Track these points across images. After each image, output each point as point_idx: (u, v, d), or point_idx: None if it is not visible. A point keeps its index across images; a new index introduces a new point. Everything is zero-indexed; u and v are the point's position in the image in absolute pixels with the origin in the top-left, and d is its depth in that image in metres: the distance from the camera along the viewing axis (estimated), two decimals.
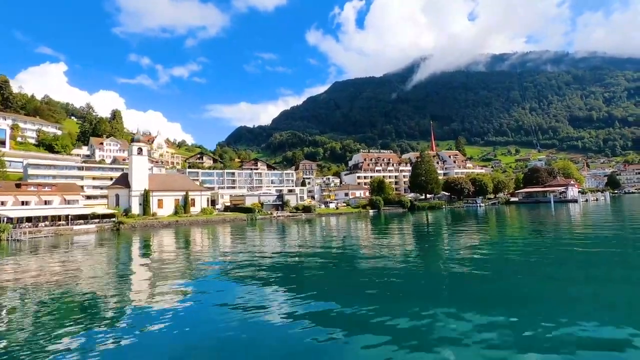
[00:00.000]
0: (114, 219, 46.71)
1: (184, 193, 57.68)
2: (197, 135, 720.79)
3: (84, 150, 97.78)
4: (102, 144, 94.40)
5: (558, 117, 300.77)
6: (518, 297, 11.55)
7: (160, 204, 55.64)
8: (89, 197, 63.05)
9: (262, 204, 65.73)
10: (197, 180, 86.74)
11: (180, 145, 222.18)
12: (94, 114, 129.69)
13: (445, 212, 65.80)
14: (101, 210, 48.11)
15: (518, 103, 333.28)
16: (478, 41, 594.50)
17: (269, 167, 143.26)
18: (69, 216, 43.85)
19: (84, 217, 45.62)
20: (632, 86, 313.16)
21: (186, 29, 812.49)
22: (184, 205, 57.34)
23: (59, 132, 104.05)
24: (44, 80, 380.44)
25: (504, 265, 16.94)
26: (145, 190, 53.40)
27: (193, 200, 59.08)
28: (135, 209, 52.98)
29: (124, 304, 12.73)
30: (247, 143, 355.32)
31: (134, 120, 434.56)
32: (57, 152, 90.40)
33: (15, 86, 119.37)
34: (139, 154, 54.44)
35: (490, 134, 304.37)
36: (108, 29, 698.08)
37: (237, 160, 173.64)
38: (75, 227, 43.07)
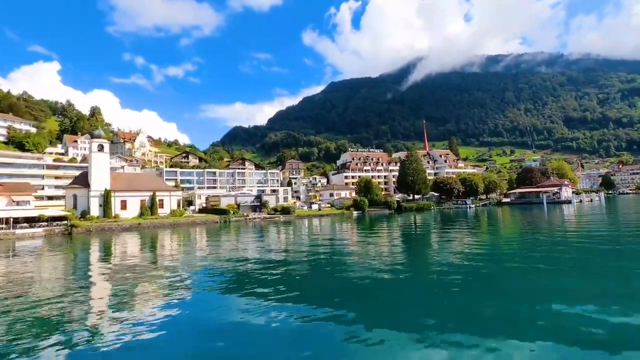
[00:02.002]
0: (65, 222, 42.42)
1: (151, 193, 53.49)
2: (193, 136, 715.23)
3: (59, 149, 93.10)
4: (76, 141, 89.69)
5: (553, 118, 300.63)
6: (508, 318, 9.66)
7: (123, 205, 51.40)
8: (50, 198, 58.77)
9: (238, 205, 61.75)
10: (176, 179, 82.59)
11: (171, 144, 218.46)
12: (74, 111, 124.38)
13: (433, 214, 62.68)
14: (52, 212, 43.78)
15: (513, 104, 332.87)
16: (473, 42, 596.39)
17: (257, 166, 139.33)
18: (11, 219, 39.50)
19: (32, 220, 41.29)
20: (626, 87, 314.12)
21: (180, 29, 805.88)
22: (151, 206, 53.16)
23: (33, 130, 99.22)
24: (37, 80, 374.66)
25: (491, 280, 14.33)
26: (105, 190, 49.15)
27: (161, 201, 54.89)
28: (95, 210, 48.70)
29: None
30: (242, 143, 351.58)
31: (129, 120, 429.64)
32: (29, 150, 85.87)
33: None
34: (99, 150, 50.20)
35: (486, 135, 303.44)
36: (101, 27, 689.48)
37: (225, 159, 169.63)
38: (19, 232, 38.75)
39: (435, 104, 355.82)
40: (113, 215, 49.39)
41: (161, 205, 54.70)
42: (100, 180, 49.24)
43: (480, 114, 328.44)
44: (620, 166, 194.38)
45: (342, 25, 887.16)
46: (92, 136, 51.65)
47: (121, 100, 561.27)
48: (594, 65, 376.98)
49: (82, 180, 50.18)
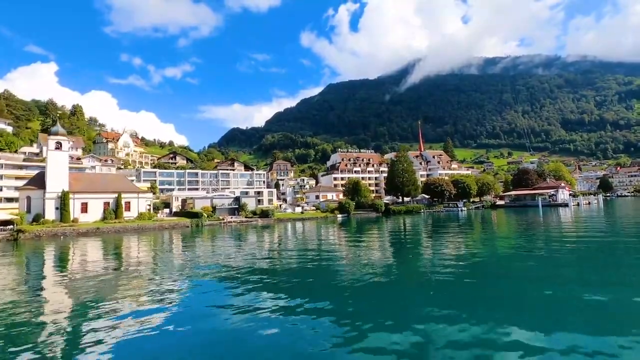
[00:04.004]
0: (11, 227, 38.45)
1: (116, 195, 49.56)
2: (191, 137, 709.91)
3: (34, 148, 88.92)
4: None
5: (550, 120, 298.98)
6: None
7: (84, 208, 47.46)
8: (9, 200, 54.69)
9: (214, 208, 57.89)
10: (154, 181, 78.63)
11: (164, 145, 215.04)
12: (56, 109, 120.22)
13: (424, 217, 59.30)
14: None
15: (511, 106, 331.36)
16: (471, 43, 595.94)
17: (247, 167, 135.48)
18: None
19: None
20: (623, 90, 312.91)
21: (178, 29, 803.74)
22: (115, 209, 49.22)
23: (9, 129, 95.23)
24: (35, 80, 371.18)
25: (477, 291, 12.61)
26: (63, 191, 45.19)
27: (128, 203, 50.94)
28: (50, 214, 44.73)
29: None
30: (239, 145, 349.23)
31: (126, 121, 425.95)
32: (1, 150, 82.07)
33: None
34: (57, 148, 46.32)
35: (483, 137, 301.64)
36: (98, 27, 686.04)
37: (217, 161, 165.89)
38: None
39: (433, 106, 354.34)
40: (71, 219, 45.39)
41: (127, 208, 50.76)
42: (57, 181, 45.30)
43: (478, 115, 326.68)
44: (618, 168, 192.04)
45: (340, 26, 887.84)
46: (49, 133, 47.74)
47: (119, 101, 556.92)
48: (590, 67, 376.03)
49: (38, 181, 46.23)
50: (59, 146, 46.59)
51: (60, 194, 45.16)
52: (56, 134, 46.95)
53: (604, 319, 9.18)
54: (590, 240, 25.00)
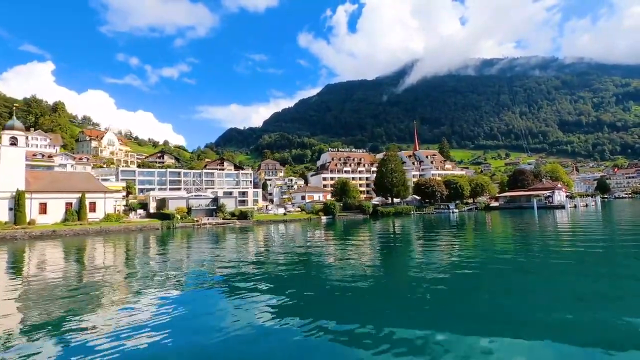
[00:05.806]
0: None
1: (79, 195, 45.96)
2: (189, 137, 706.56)
3: None
4: (26, 138, 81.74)
5: (548, 122, 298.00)
6: None
7: (43, 209, 43.86)
8: None
9: (189, 209, 54.39)
10: (133, 180, 75.06)
11: (156, 144, 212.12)
12: (38, 107, 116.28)
13: (414, 220, 56.22)
14: None
15: (508, 107, 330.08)
16: (468, 45, 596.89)
17: (237, 167, 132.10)
18: None
19: None
20: (620, 92, 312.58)
21: (175, 29, 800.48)
22: (79, 210, 45.63)
23: None
24: (31, 80, 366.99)
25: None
26: (18, 190, 41.57)
27: (93, 204, 47.37)
28: (4, 215, 41.11)
29: None
30: (237, 145, 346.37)
31: (124, 121, 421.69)
32: None
33: None
34: (12, 144, 42.74)
35: (481, 138, 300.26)
36: (94, 27, 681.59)
37: (207, 160, 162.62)
38: None
39: (430, 107, 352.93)
40: (27, 220, 41.82)
41: (93, 209, 47.19)
42: (11, 180, 41.69)
43: (475, 116, 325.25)
44: (616, 170, 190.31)
45: (338, 27, 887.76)
46: (4, 127, 44.16)
47: (116, 100, 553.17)
48: (586, 69, 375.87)
49: None
50: (14, 142, 42.99)
51: (14, 194, 41.54)
52: (11, 128, 43.33)
53: (599, 338, 7.87)
54: (587, 246, 21.80)
